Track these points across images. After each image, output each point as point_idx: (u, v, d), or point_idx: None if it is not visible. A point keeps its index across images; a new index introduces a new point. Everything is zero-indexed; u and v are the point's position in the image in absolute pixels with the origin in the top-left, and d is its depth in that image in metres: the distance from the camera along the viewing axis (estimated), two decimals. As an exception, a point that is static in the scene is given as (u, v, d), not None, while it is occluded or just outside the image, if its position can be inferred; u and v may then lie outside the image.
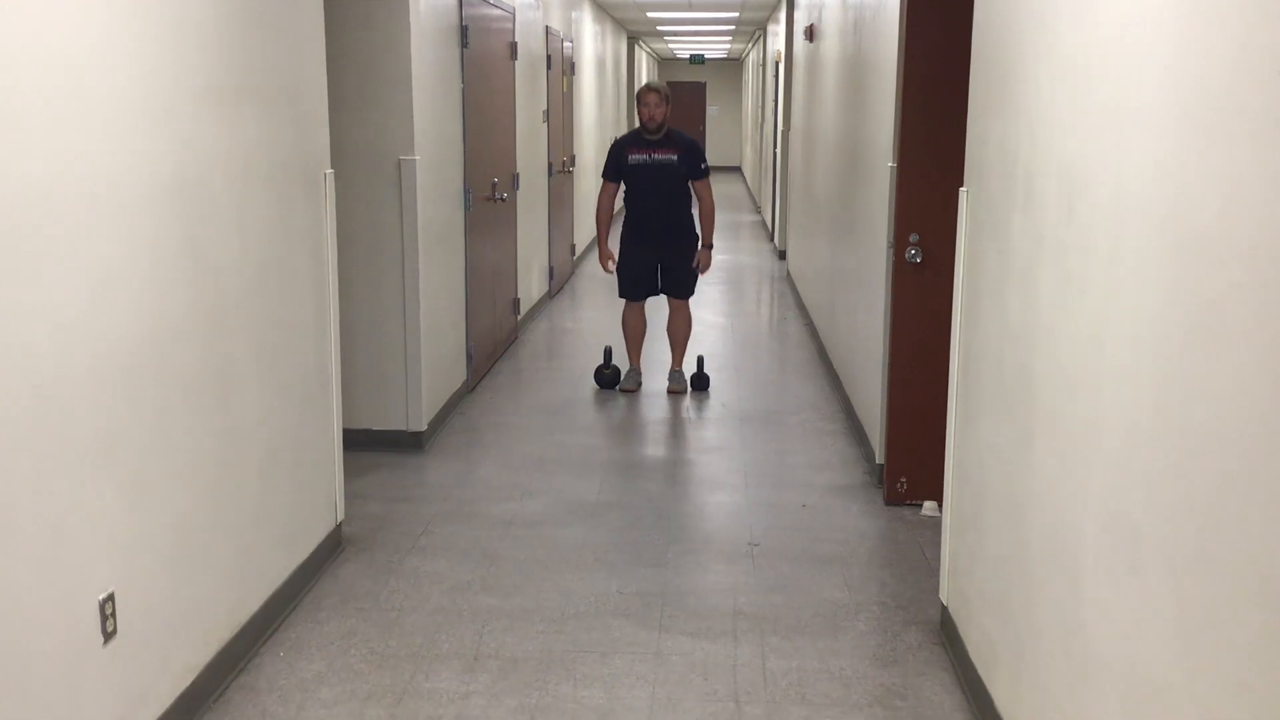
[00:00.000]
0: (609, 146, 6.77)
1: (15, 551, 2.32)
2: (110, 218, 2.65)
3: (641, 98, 6.54)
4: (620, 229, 6.81)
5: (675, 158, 6.50)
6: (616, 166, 6.61)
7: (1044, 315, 2.69)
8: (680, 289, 6.76)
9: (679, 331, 6.83)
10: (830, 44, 7.60)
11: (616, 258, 6.75)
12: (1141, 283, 2.08)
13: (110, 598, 2.67)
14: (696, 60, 26.97)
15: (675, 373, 6.87)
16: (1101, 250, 2.30)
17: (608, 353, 6.91)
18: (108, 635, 2.66)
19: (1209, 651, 1.80)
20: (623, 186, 6.68)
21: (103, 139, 2.62)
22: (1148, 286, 2.05)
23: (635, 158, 6.54)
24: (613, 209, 6.70)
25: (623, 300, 6.88)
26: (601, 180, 6.76)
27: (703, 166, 6.60)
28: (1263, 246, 1.65)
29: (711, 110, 29.43)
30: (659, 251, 6.67)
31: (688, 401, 6.62)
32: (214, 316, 3.20)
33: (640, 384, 6.89)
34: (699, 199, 6.68)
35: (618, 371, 6.87)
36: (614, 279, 6.99)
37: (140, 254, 2.79)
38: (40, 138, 2.38)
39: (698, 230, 6.74)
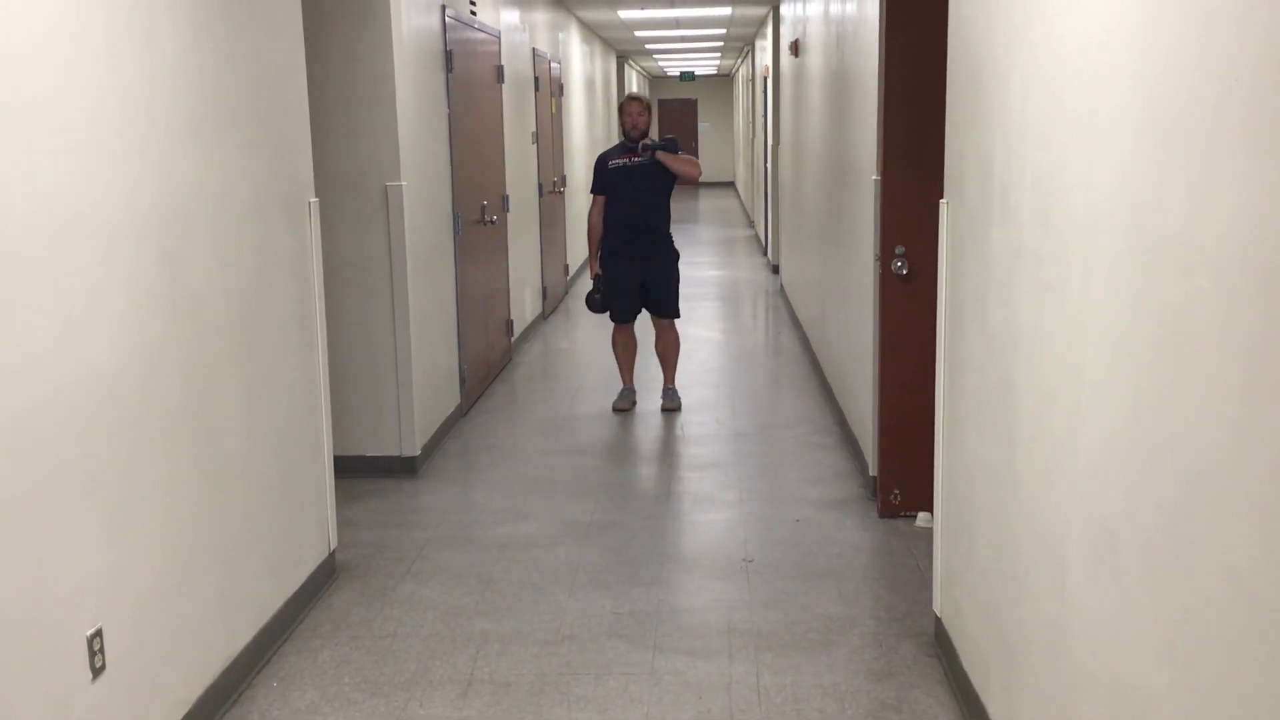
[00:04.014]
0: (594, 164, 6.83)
1: (3, 589, 2.32)
2: (87, 248, 2.66)
3: (624, 108, 6.67)
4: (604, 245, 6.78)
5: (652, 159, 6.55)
6: (601, 178, 6.67)
7: (1023, 325, 2.69)
8: (665, 307, 6.75)
9: (669, 350, 6.83)
10: (814, 58, 7.64)
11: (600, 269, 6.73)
12: (1114, 292, 2.09)
13: (98, 633, 2.66)
14: (687, 77, 27.03)
15: (669, 390, 6.87)
16: (1075, 260, 2.30)
17: (596, 279, 6.72)
18: (96, 671, 2.66)
19: (1187, 655, 1.80)
20: None
21: (80, 169, 2.63)
22: (1120, 295, 2.06)
23: (616, 163, 6.61)
24: (601, 222, 6.68)
25: (612, 323, 6.89)
26: (591, 197, 6.77)
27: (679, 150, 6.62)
28: (1227, 254, 1.65)
29: (703, 127, 29.51)
30: (640, 265, 6.63)
31: (681, 419, 6.61)
32: (196, 346, 3.21)
33: (634, 403, 6.86)
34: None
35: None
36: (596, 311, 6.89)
37: (118, 284, 2.79)
38: (15, 168, 2.39)
39: (676, 246, 6.78)
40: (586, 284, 10.88)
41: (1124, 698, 2.07)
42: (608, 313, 6.77)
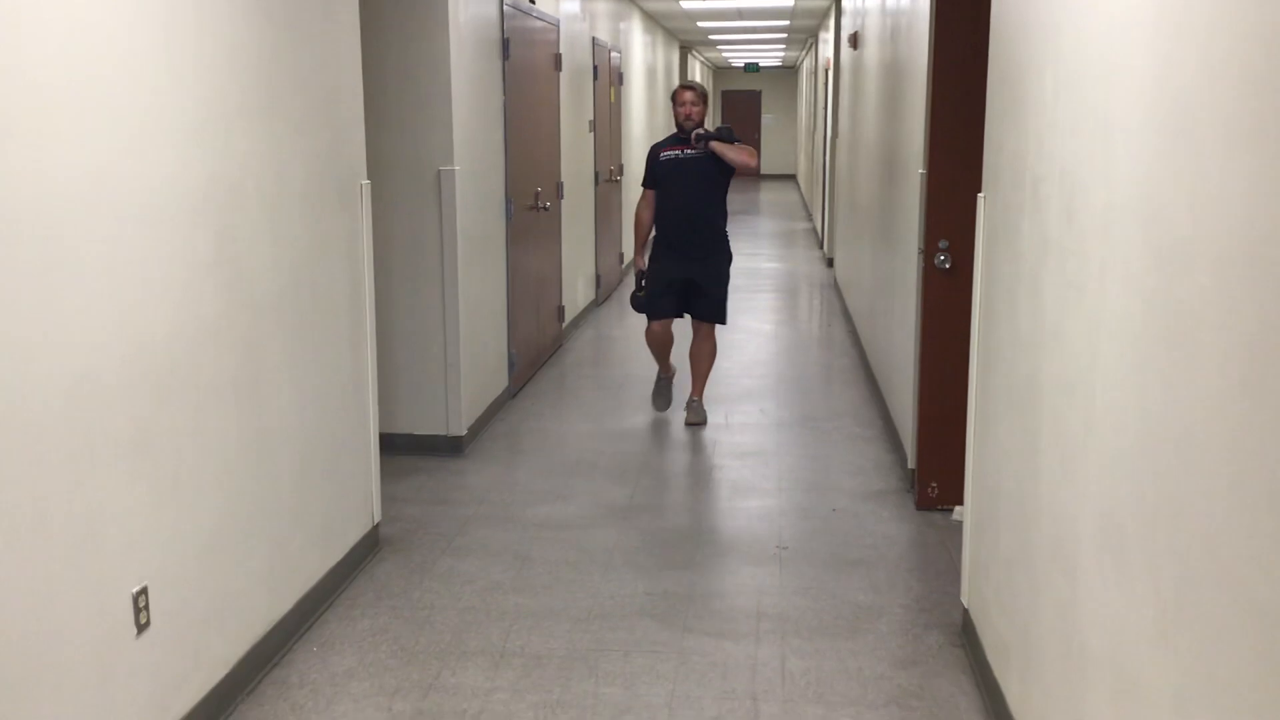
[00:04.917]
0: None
1: (49, 544, 2.45)
2: (145, 225, 2.78)
3: (677, 96, 6.20)
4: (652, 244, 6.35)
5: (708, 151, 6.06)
6: (651, 171, 6.26)
7: (1048, 319, 2.73)
8: (711, 312, 6.24)
9: (703, 358, 6.34)
10: (871, 51, 7.64)
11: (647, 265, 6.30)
12: (1126, 287, 2.12)
13: (144, 591, 2.79)
14: (751, 69, 27.00)
15: (694, 402, 6.33)
16: (1094, 256, 2.34)
17: (640, 276, 6.30)
18: (141, 627, 2.78)
19: (1182, 643, 1.84)
20: None
21: (138, 149, 2.75)
22: (1131, 291, 2.09)
23: (667, 154, 6.17)
24: (651, 218, 6.26)
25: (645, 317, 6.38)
26: (642, 189, 6.39)
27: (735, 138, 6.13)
28: (1229, 253, 1.68)
29: (766, 118, 29.45)
30: (689, 266, 6.14)
31: (726, 408, 6.64)
32: (248, 321, 3.33)
33: (671, 393, 6.49)
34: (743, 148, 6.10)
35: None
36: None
37: (173, 260, 2.91)
38: (77, 147, 2.51)
39: (731, 248, 6.31)
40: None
41: (1126, 685, 2.11)
42: (651, 311, 6.29)
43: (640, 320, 8.78)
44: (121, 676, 2.72)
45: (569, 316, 8.64)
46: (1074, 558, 2.45)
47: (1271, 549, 1.54)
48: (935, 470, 4.88)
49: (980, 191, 3.67)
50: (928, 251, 4.74)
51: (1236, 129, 1.65)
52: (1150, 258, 1.99)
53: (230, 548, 3.26)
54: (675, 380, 6.59)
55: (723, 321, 6.31)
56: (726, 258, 6.26)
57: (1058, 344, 2.64)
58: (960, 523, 4.70)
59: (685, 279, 6.17)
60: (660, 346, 6.38)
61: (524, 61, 6.94)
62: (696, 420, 6.28)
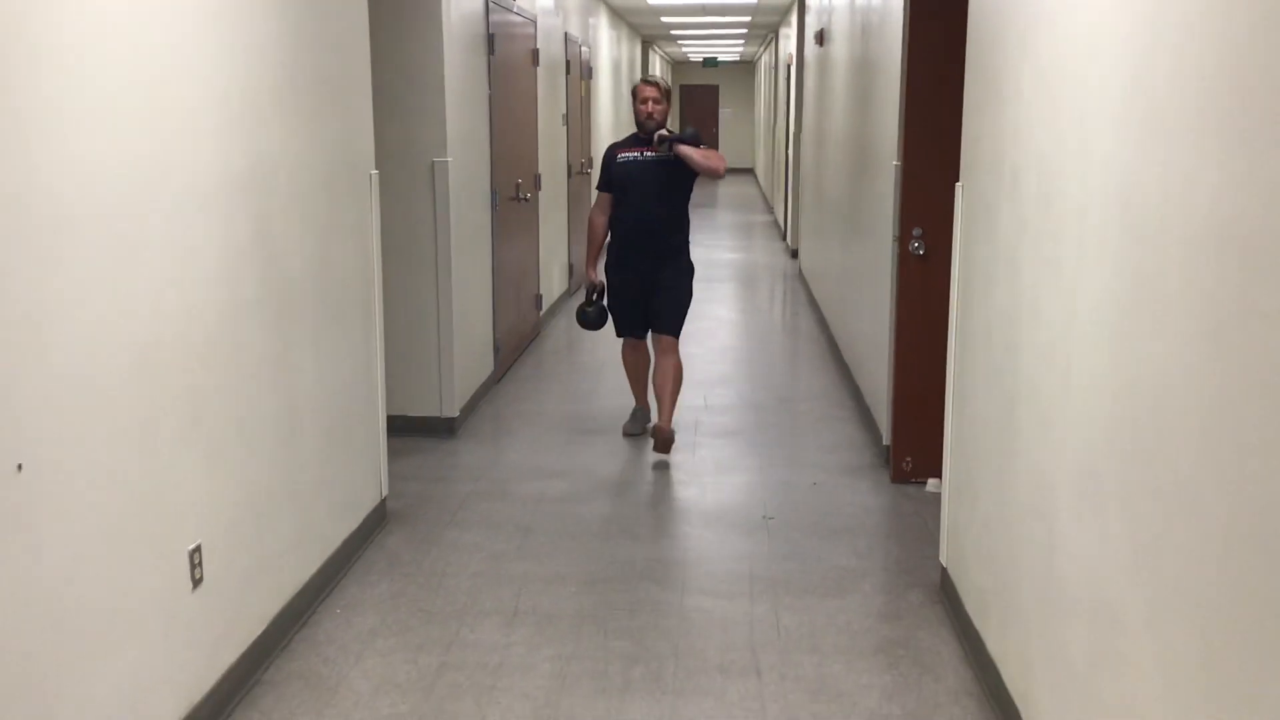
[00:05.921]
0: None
1: (124, 502, 2.66)
2: (194, 209, 2.99)
3: (638, 92, 5.71)
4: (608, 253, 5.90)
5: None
6: (607, 173, 5.78)
7: (1027, 295, 3.01)
8: (666, 320, 5.72)
9: (667, 382, 5.69)
10: (839, 48, 7.93)
11: (600, 278, 5.88)
12: (1101, 262, 2.41)
13: (198, 549, 3.01)
14: (710, 63, 27.30)
15: (663, 431, 5.56)
16: (1071, 236, 2.62)
17: (590, 289, 5.91)
18: (196, 582, 3.00)
19: (1155, 574, 2.12)
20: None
21: (190, 139, 2.96)
22: (1105, 265, 2.38)
23: (625, 156, 5.72)
24: (606, 224, 5.82)
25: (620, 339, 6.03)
26: (596, 193, 5.93)
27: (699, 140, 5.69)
28: (1197, 232, 1.96)
29: (725, 112, 29.77)
30: (647, 278, 5.71)
31: (705, 391, 6.90)
32: (278, 302, 3.54)
33: (649, 424, 6.01)
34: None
35: (603, 311, 5.88)
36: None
37: (220, 241, 3.13)
38: (141, 141, 2.72)
39: (693, 260, 5.85)
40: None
41: (1102, 617, 2.39)
42: (601, 329, 6.00)
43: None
44: (181, 627, 2.94)
45: (545, 305, 8.87)
46: (1051, 505, 2.73)
47: (1238, 482, 1.82)
48: (909, 445, 5.18)
49: (955, 181, 3.96)
50: (903, 239, 5.03)
51: (1206, 120, 1.93)
52: (1124, 237, 2.27)
53: (265, 513, 3.48)
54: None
55: (676, 333, 5.75)
56: (688, 269, 5.78)
57: (1035, 316, 2.92)
58: (935, 494, 5.00)
59: (645, 292, 5.75)
60: (636, 367, 6.05)
61: (506, 57, 7.17)
62: (661, 450, 5.57)
